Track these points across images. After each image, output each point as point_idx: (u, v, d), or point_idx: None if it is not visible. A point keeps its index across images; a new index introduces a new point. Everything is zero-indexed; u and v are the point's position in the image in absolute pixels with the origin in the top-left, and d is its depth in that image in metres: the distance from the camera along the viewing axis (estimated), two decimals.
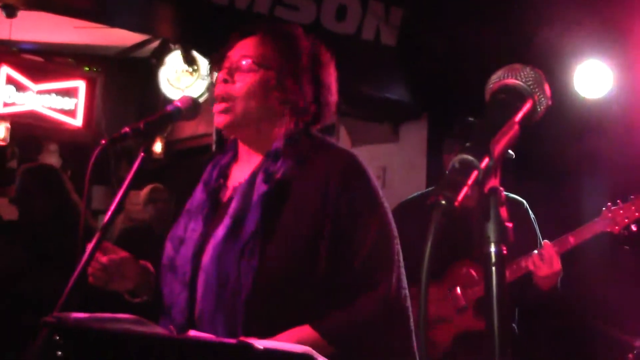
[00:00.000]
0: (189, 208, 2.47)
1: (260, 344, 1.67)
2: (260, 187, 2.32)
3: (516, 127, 1.44)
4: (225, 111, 2.38)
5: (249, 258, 2.23)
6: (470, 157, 1.34)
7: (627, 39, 5.35)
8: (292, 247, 2.25)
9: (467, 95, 3.26)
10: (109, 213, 2.19)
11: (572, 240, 4.02)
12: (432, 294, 4.01)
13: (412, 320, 2.34)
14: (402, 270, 2.34)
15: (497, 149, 1.37)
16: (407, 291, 2.33)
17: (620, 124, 5.51)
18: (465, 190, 1.30)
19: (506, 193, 1.42)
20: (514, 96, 1.50)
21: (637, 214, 4.04)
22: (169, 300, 2.37)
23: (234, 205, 2.34)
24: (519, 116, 1.47)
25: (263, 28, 2.46)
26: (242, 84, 2.37)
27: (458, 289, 4.05)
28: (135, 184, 2.31)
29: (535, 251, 3.91)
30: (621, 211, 4.05)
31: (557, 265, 3.87)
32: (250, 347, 1.65)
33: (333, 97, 2.49)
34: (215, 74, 2.47)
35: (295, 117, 2.41)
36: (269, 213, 2.28)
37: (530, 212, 4.10)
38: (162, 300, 2.42)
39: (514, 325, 4.04)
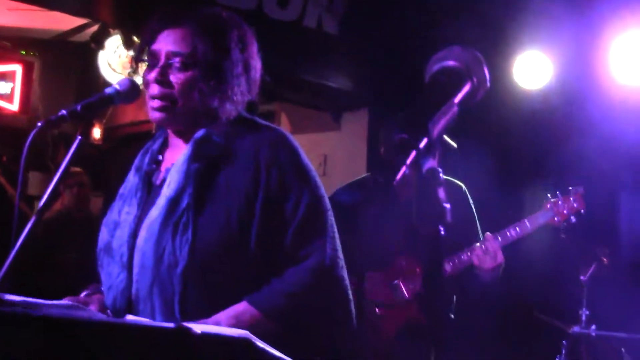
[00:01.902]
0: (122, 193, 2.48)
1: (198, 328, 1.66)
2: (192, 165, 2.33)
3: (455, 108, 1.45)
4: (161, 109, 2.37)
5: (183, 232, 2.25)
6: (408, 138, 1.34)
7: (567, 31, 5.43)
8: (225, 220, 2.26)
9: (408, 85, 3.26)
10: (44, 198, 2.17)
11: (514, 233, 4.15)
12: (378, 282, 4.07)
13: (349, 289, 2.37)
14: (337, 242, 2.37)
15: (436, 129, 1.38)
16: (343, 262, 2.36)
17: (559, 115, 5.60)
18: (403, 169, 1.30)
19: (446, 177, 1.43)
20: (453, 78, 1.51)
21: (575, 205, 4.23)
22: (107, 283, 2.38)
23: (166, 185, 2.35)
24: (458, 97, 1.48)
25: (188, 19, 2.42)
26: (176, 83, 2.36)
27: (401, 283, 4.08)
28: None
29: (477, 244, 4.01)
30: (560, 202, 4.23)
31: (500, 257, 3.98)
32: (188, 331, 1.64)
33: (258, 74, 2.49)
34: (139, 64, 2.44)
35: (232, 107, 2.41)
36: (201, 188, 2.30)
37: (469, 195, 4.14)
38: (101, 283, 2.42)
39: (451, 315, 4.08)
